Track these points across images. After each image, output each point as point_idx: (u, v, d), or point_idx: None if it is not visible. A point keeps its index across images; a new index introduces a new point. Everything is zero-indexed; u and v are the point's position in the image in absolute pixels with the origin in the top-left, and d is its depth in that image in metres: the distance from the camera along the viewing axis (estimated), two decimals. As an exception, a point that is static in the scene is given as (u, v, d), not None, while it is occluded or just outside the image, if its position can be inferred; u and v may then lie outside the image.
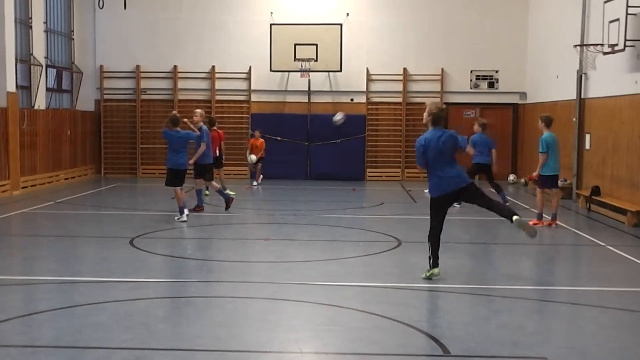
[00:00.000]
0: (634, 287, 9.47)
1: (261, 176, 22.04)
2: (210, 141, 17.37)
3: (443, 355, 6.61)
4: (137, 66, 24.08)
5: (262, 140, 21.87)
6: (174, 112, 15.66)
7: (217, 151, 18.53)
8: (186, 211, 14.36)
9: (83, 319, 7.60)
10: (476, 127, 17.22)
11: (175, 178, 14.34)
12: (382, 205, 17.72)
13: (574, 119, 18.70)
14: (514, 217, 9.07)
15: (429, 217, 9.69)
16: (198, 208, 15.46)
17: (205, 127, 15.55)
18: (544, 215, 14.51)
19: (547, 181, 14.37)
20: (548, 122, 14.39)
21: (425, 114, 9.59)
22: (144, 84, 24.24)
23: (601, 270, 10.57)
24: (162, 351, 6.61)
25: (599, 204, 16.26)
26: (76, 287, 9.06)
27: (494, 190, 16.60)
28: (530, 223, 14.26)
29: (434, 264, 9.45)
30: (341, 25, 23.10)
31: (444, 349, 6.72)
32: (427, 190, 18.92)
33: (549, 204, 14.57)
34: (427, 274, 9.45)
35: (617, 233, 13.75)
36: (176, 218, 14.31)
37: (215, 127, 18.63)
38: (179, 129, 14.43)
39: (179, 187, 14.35)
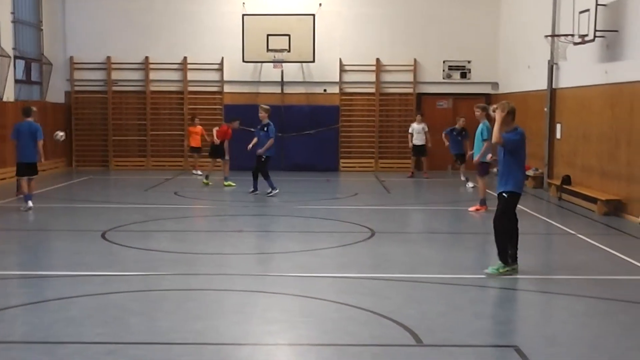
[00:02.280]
0: (604, 275, 9.58)
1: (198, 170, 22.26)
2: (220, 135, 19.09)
3: (416, 345, 6.66)
4: (108, 57, 23.86)
5: (200, 127, 22.31)
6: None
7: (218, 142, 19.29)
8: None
9: (55, 313, 7.55)
10: (262, 114, 17.38)
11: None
12: (356, 195, 17.76)
13: (545, 109, 18.85)
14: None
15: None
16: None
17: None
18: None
19: (486, 168, 14.80)
20: (488, 111, 14.79)
21: (499, 113, 9.12)
22: (116, 75, 24.04)
23: (572, 259, 10.69)
24: (137, 345, 6.59)
25: (570, 193, 16.43)
26: (48, 282, 8.99)
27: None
28: (473, 209, 14.54)
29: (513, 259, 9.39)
30: (314, 15, 23.04)
31: (417, 339, 6.77)
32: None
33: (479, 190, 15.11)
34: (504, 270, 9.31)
35: (587, 221, 13.90)
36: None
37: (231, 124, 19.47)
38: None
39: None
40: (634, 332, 7.10)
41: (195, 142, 22.25)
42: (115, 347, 6.49)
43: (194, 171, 22.18)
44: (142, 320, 7.35)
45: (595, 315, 7.70)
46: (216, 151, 19.53)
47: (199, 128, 22.22)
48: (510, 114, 9.19)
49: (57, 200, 16.50)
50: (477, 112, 15.07)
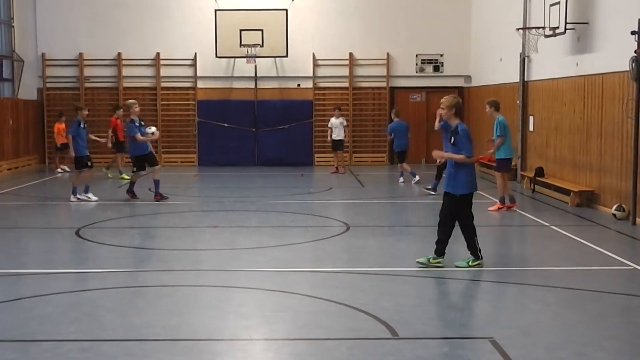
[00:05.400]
0: (576, 266, 9.67)
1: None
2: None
3: (392, 338, 6.68)
4: (80, 54, 23.65)
5: (62, 126, 21.22)
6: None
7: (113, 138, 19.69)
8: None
9: (29, 311, 7.49)
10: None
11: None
12: (330, 190, 17.76)
13: (518, 102, 18.97)
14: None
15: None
16: None
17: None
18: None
19: (505, 164, 14.49)
20: (497, 106, 14.63)
21: (444, 110, 9.53)
22: (88, 71, 23.84)
23: (546, 250, 10.77)
24: (111, 342, 6.55)
25: (543, 184, 16.55)
26: (21, 280, 8.91)
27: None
28: (494, 208, 14.27)
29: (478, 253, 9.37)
30: (286, 10, 22.98)
31: (392, 332, 6.79)
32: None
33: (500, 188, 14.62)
34: (473, 263, 9.30)
35: (560, 213, 14.01)
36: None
37: (115, 114, 19.89)
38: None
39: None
40: (606, 321, 7.17)
41: (62, 139, 21.13)
42: (88, 345, 6.45)
43: (59, 169, 21.72)
44: (116, 317, 7.32)
45: (568, 306, 7.77)
46: (120, 146, 19.73)
47: (61, 126, 21.36)
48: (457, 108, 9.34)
49: (30, 198, 16.34)
50: (487, 109, 14.71)
